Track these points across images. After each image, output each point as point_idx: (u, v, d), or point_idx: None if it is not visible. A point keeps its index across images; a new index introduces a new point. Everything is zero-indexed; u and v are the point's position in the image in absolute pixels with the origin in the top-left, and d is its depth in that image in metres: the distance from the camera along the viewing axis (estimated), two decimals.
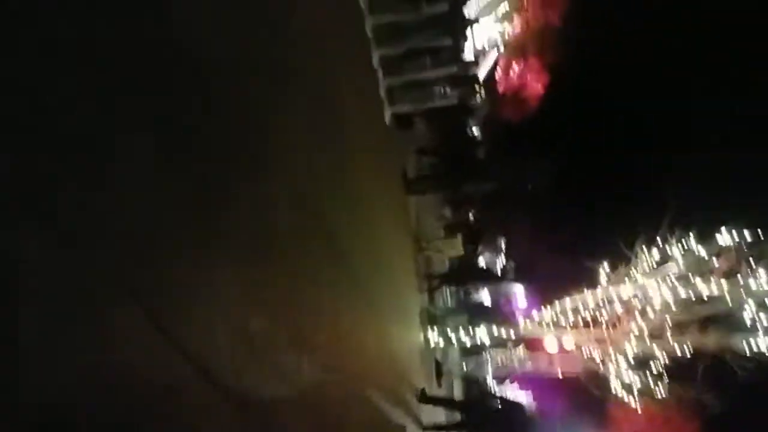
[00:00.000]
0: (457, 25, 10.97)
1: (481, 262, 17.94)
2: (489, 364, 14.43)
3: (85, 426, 1.89)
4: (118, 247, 2.17)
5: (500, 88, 25.18)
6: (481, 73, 21.75)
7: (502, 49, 26.23)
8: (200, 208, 2.97)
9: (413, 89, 11.17)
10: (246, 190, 3.67)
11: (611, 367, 10.01)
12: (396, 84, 10.86)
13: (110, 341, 2.10)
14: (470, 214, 15.51)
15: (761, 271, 8.68)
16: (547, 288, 14.24)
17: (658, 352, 9.36)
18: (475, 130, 21.14)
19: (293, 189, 4.72)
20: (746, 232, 9.04)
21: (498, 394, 13.68)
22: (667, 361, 9.41)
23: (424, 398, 8.50)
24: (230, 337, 3.10)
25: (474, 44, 16.64)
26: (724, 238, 9.17)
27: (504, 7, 25.34)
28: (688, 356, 9.14)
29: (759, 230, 9.01)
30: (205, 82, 3.19)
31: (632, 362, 9.78)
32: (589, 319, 10.58)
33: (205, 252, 2.95)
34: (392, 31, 10.38)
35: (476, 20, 13.08)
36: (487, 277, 14.59)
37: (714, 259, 9.28)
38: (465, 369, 14.73)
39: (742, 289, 8.59)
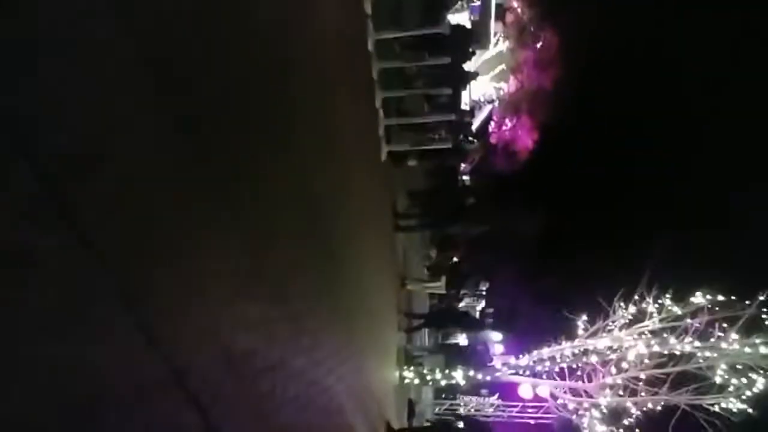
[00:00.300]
0: (457, 77, 11.65)
1: (462, 306, 17.99)
2: (462, 408, 14.22)
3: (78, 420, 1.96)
4: (118, 245, 2.27)
5: (492, 140, 26.24)
6: (476, 124, 22.74)
7: (497, 104, 27.65)
8: (199, 210, 3.10)
9: (411, 131, 11.68)
10: (244, 195, 3.84)
11: (585, 418, 10.00)
12: (394, 124, 11.36)
13: (103, 341, 2.17)
14: (455, 257, 15.76)
15: (732, 333, 8.97)
16: (525, 336, 14.28)
17: (630, 406, 9.42)
18: (466, 177, 21.84)
19: (288, 201, 4.91)
20: (720, 296, 9.40)
21: (464, 415, 13.45)
22: (639, 415, 9.45)
23: (391, 430, 8.45)
24: (214, 347, 3.16)
25: (471, 96, 17.56)
26: (699, 299, 9.52)
27: (501, 67, 26.98)
28: (660, 411, 9.21)
29: (732, 295, 9.38)
30: (207, 84, 3.39)
31: (605, 414, 9.80)
32: (565, 369, 10.64)
33: (197, 254, 3.05)
34: (396, 76, 10.99)
35: (475, 75, 13.90)
36: (467, 323, 14.65)
37: (688, 319, 9.56)
38: (437, 411, 14.45)
39: (713, 350, 8.84)
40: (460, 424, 9.55)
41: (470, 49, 12.39)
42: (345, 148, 7.47)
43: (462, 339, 15.64)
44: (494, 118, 27.24)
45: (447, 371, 11.10)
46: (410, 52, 10.93)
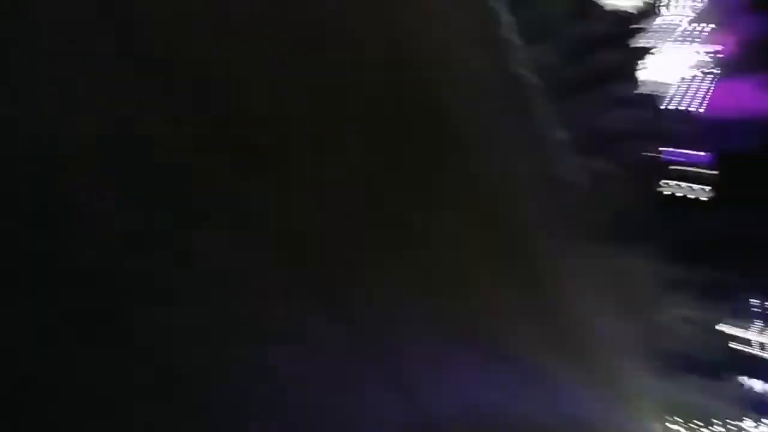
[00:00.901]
0: (633, 70, 10.08)
1: (738, 330, 13.75)
2: None
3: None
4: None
5: (708, 116, 21.43)
6: (679, 103, 18.94)
7: (704, 73, 22.70)
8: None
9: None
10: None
11: None
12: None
13: (362, 389, 2.20)
14: (709, 268, 12.46)
15: None
16: None
17: None
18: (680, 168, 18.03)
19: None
20: None
21: None
22: None
23: None
24: (461, 402, 3.03)
25: (667, 73, 14.76)
26: None
27: (695, 28, 22.32)
28: None
29: None
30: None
31: None
32: None
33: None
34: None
35: (659, 48, 11.76)
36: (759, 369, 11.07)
37: None
38: None
39: None
40: None
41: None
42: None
43: (751, 380, 11.79)
44: (705, 90, 22.30)
45: (732, 424, 8.46)
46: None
